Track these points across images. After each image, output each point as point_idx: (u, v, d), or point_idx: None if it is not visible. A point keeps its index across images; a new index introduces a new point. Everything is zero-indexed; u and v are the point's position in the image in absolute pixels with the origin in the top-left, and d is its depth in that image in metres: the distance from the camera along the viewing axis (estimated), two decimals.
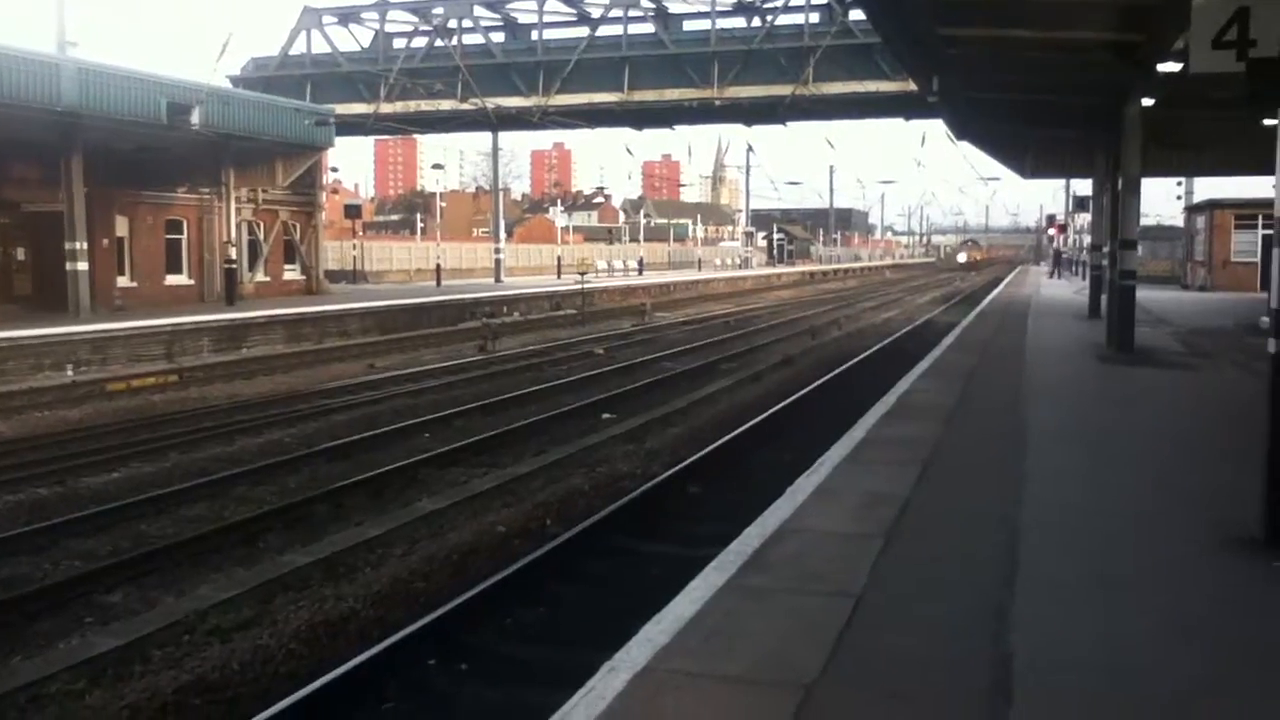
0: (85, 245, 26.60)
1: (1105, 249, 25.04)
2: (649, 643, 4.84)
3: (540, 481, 11.58)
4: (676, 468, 11.56)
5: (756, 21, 37.53)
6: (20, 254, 29.84)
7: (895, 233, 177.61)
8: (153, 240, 32.42)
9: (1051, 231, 77.82)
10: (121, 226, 31.16)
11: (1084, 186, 46.82)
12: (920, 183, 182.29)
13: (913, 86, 28.13)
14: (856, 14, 32.80)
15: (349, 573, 8.52)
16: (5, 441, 14.02)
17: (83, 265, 26.40)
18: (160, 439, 13.90)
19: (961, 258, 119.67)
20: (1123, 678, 4.55)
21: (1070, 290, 41.12)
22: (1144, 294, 21.73)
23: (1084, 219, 55.51)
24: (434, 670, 6.64)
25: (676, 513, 10.08)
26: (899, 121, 39.65)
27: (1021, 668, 4.59)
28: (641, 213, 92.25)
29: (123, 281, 30.91)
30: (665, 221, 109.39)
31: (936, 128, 37.03)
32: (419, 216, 74.51)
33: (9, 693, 6.31)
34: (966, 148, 39.87)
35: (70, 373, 19.85)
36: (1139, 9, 14.47)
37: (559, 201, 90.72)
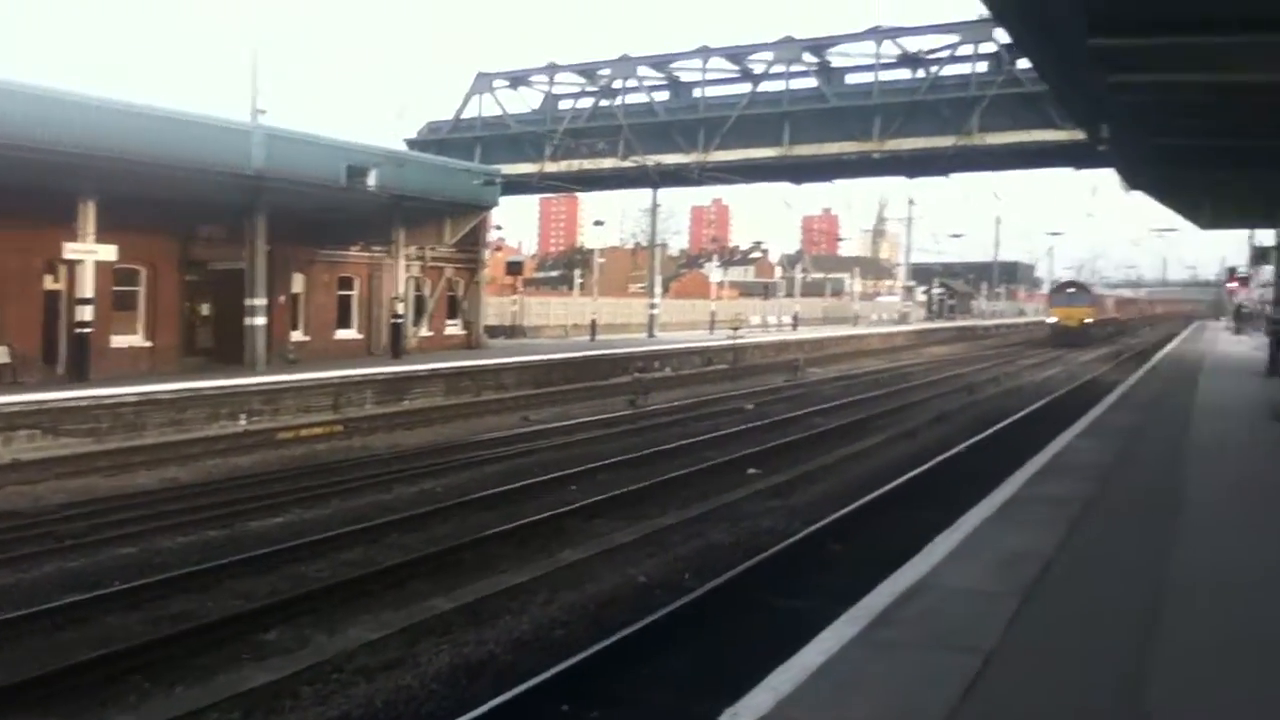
0: (264, 301, 28.07)
1: None
2: (772, 690, 4.85)
3: (681, 535, 11.64)
4: (819, 524, 11.46)
5: (920, 73, 37.27)
6: (204, 309, 31.75)
7: None
8: (326, 296, 34.04)
9: (1233, 285, 73.83)
10: (298, 283, 32.82)
11: (1269, 237, 44.50)
12: (1091, 235, 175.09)
13: (1083, 135, 27.36)
14: (1025, 62, 32.19)
15: (491, 618, 8.74)
16: (181, 486, 14.93)
17: (260, 320, 27.82)
18: (323, 486, 14.56)
19: (1050, 320, 59.73)
20: None
21: (1249, 346, 39.05)
22: None
23: (1268, 271, 52.56)
24: (566, 716, 6.74)
25: (816, 569, 9.99)
26: (1068, 172, 38.59)
27: None
28: (798, 267, 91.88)
29: (296, 335, 32.46)
30: (822, 276, 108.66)
31: (1108, 178, 35.98)
32: (577, 272, 76.02)
33: None
34: (1140, 198, 38.44)
35: (243, 422, 20.95)
36: None
37: (715, 257, 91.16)
